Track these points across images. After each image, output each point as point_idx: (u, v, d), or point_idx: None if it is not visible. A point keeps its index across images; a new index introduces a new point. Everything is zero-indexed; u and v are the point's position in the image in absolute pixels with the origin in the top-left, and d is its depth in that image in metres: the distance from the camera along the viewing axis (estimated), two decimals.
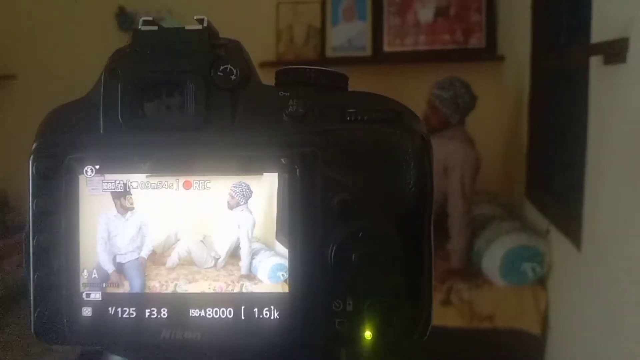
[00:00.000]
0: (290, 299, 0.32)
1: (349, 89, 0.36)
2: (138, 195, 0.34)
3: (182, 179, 0.33)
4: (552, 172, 2.48)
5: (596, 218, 1.78)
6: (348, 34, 3.48)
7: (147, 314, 0.33)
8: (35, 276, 0.35)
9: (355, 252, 0.32)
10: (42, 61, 3.77)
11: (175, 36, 0.37)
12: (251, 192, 0.33)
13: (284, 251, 0.32)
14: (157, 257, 0.34)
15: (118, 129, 0.34)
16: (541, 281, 2.33)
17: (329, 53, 3.48)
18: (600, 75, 1.70)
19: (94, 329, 0.33)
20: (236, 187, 0.33)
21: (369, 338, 0.32)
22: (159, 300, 0.33)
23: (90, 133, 0.35)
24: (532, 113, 2.65)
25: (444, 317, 2.32)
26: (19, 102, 3.83)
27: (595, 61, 1.73)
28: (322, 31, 3.49)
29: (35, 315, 0.34)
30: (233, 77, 0.34)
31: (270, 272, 0.33)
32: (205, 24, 0.37)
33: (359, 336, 0.32)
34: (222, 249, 0.34)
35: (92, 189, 0.33)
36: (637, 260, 1.47)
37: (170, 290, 0.33)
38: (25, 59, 3.78)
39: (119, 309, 0.33)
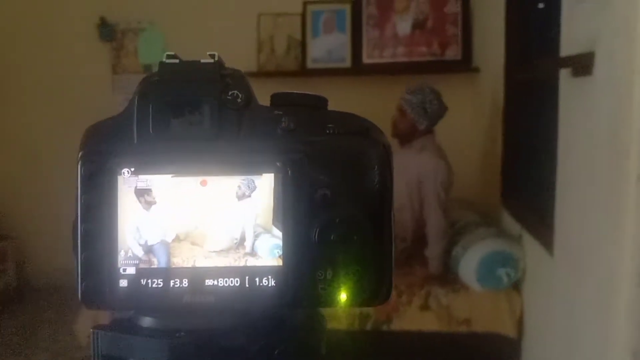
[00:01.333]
0: (284, 270, 0.41)
1: (329, 109, 0.46)
2: (162, 192, 0.42)
3: (199, 179, 0.42)
4: (525, 180, 2.57)
5: (567, 224, 1.86)
6: (328, 46, 3.55)
7: (171, 284, 0.41)
8: (82, 256, 0.42)
9: (333, 233, 0.41)
10: (23, 68, 3.77)
11: (193, 67, 0.44)
12: (255, 186, 0.41)
13: (279, 234, 0.41)
14: (180, 240, 0.42)
15: (149, 140, 0.42)
16: (516, 286, 2.41)
17: (310, 64, 3.55)
18: (569, 87, 1.78)
19: (129, 296, 0.42)
20: (244, 180, 0.41)
21: (344, 300, 0.41)
22: (181, 273, 0.42)
23: (126, 142, 0.42)
24: (506, 123, 2.74)
25: (422, 321, 2.38)
26: (2, 113, 3.82)
27: (564, 74, 1.82)
28: (303, 42, 3.55)
29: (83, 287, 0.42)
30: (239, 100, 0.43)
31: (268, 250, 0.42)
32: (216, 58, 0.46)
33: (337, 298, 0.41)
34: (232, 233, 0.42)
35: (128, 187, 0.41)
36: (605, 265, 1.55)
37: (190, 265, 0.42)
38: (5, 66, 3.77)
39: (149, 280, 0.42)
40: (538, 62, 2.25)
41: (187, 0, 3.63)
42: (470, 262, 2.37)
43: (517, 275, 2.34)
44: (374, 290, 0.42)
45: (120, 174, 0.41)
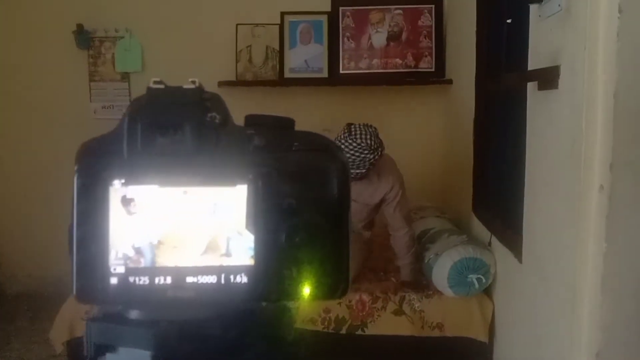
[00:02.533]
0: (255, 268, 0.47)
1: (295, 129, 0.52)
2: (148, 201, 0.47)
3: (182, 189, 0.47)
4: (495, 189, 2.65)
5: (534, 232, 1.93)
6: (305, 56, 3.60)
7: (156, 280, 0.47)
8: (77, 257, 0.47)
9: (298, 236, 0.47)
10: None
11: (176, 92, 0.49)
12: (230, 195, 0.48)
13: (251, 237, 0.47)
14: (164, 243, 0.47)
15: (138, 155, 0.48)
16: (487, 291, 2.48)
17: (287, 74, 3.59)
18: (535, 100, 1.86)
19: (119, 292, 0.47)
20: (220, 190, 0.47)
21: (307, 294, 0.47)
22: (165, 271, 0.47)
23: (116, 157, 0.48)
24: (476, 133, 2.82)
25: (396, 326, 2.43)
26: None
27: (531, 87, 1.90)
28: (281, 53, 3.60)
29: (77, 284, 0.47)
30: (216, 121, 0.48)
31: (241, 251, 0.47)
32: (197, 84, 0.49)
33: (301, 292, 0.47)
34: (209, 237, 0.47)
35: (117, 196, 0.47)
36: (569, 271, 1.62)
37: (173, 264, 0.47)
38: None
39: (137, 278, 0.47)
40: (506, 75, 2.34)
41: (165, 10, 3.65)
42: (442, 268, 2.43)
43: (488, 281, 2.41)
44: (334, 285, 0.48)
45: (112, 185, 0.47)
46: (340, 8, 3.59)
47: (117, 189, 0.46)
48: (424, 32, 3.57)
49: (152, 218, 0.47)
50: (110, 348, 0.49)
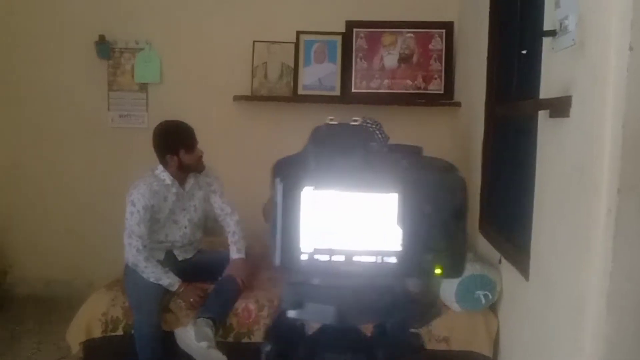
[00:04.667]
0: (402, 253, 0.68)
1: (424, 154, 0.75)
2: (329, 202, 0.67)
3: (353, 194, 0.68)
4: (502, 209, 2.75)
5: (541, 252, 2.03)
6: (319, 74, 3.73)
7: (333, 258, 0.68)
8: (282, 239, 0.68)
9: (433, 231, 0.68)
10: (18, 83, 3.85)
11: (347, 127, 0.72)
12: (387, 200, 0.69)
13: (400, 230, 0.67)
14: (339, 231, 0.68)
15: (324, 169, 0.68)
16: (492, 307, 2.57)
17: (301, 90, 3.72)
18: (546, 127, 1.97)
19: (307, 265, 0.68)
20: (380, 196, 0.68)
21: (439, 273, 0.68)
22: (340, 252, 0.68)
23: (307, 169, 0.69)
24: (485, 155, 2.93)
25: None
26: None
27: (542, 114, 2.02)
28: (295, 70, 3.72)
29: (281, 258, 0.68)
30: (376, 147, 0.70)
31: (392, 240, 0.68)
32: (359, 122, 0.72)
33: (433, 272, 0.68)
34: (372, 228, 0.68)
35: (308, 197, 0.68)
36: (575, 289, 1.71)
37: (345, 247, 0.68)
38: (5, 77, 3.84)
39: (320, 256, 0.68)
40: (518, 102, 2.45)
41: (184, 24, 3.77)
42: (449, 284, 2.52)
43: (494, 297, 2.50)
44: (455, 268, 0.69)
45: (304, 189, 0.67)
46: (355, 29, 3.72)
47: (308, 193, 0.67)
48: (434, 55, 3.70)
49: (332, 213, 0.67)
50: (299, 304, 0.70)
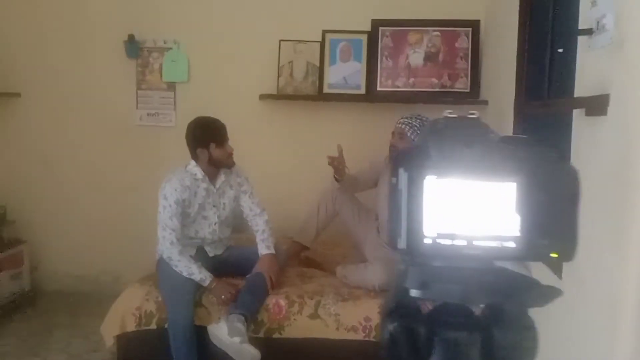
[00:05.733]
0: (520, 238, 0.74)
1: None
2: (451, 190, 0.73)
3: (476, 182, 0.73)
4: None
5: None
6: (344, 73, 3.75)
7: (455, 242, 0.73)
8: (407, 224, 0.74)
9: (551, 219, 0.74)
10: (48, 81, 3.92)
11: (465, 119, 0.76)
12: (506, 189, 0.74)
13: (518, 217, 0.73)
14: (461, 216, 0.74)
15: (445, 159, 0.73)
16: None
17: (326, 89, 3.74)
18: (581, 125, 1.98)
19: (431, 249, 0.74)
20: (499, 184, 0.75)
21: (555, 256, 0.75)
22: (461, 236, 0.75)
23: (429, 160, 0.73)
24: None
25: None
26: (21, 118, 3.95)
27: (577, 112, 2.02)
28: (321, 69, 3.75)
29: (406, 242, 0.73)
30: (495, 138, 0.75)
31: (512, 226, 0.74)
32: (476, 115, 0.75)
33: (550, 255, 0.75)
34: (492, 214, 0.74)
35: (431, 185, 0.73)
36: (612, 288, 1.72)
37: (467, 232, 0.74)
38: (31, 78, 3.92)
39: (442, 240, 0.74)
40: (550, 99, 2.45)
41: (212, 24, 3.82)
42: None
43: None
44: (569, 252, 0.74)
45: (426, 178, 0.72)
46: (380, 28, 3.74)
47: (431, 181, 0.72)
48: (461, 53, 3.70)
49: (453, 201, 0.72)
50: (424, 284, 0.75)
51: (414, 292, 0.75)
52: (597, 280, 1.84)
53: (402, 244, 0.73)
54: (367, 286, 2.71)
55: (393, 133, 2.91)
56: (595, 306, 1.85)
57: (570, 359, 2.07)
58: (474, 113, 0.76)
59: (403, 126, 2.86)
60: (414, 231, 0.72)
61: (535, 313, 2.10)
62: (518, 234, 0.72)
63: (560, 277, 2.16)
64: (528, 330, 0.82)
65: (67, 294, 3.90)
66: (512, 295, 0.77)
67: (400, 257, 0.77)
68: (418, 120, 2.83)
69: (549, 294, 0.78)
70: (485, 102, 3.58)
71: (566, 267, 2.12)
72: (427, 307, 0.82)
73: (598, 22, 1.79)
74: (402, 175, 0.72)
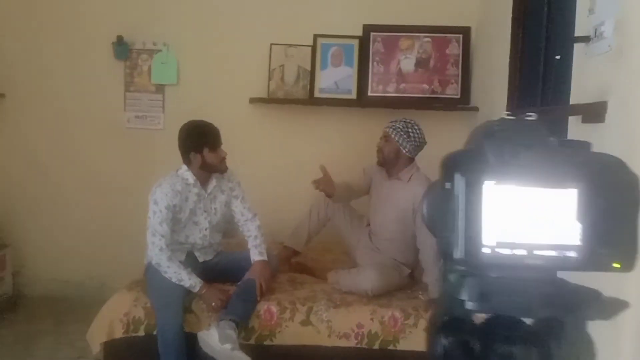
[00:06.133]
0: (582, 248, 0.71)
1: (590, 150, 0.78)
2: (509, 196, 0.70)
3: (537, 189, 0.71)
4: None
5: None
6: (335, 78, 3.74)
7: (515, 251, 0.70)
8: (464, 233, 0.71)
9: (610, 228, 0.70)
10: (33, 82, 3.84)
11: (523, 122, 0.73)
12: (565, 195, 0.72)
13: (579, 225, 0.71)
14: (521, 224, 0.70)
15: (504, 164, 0.69)
16: None
17: (317, 93, 3.72)
18: (578, 133, 1.98)
19: (489, 259, 0.71)
20: (557, 191, 0.71)
21: (618, 267, 0.71)
22: (521, 245, 0.71)
23: (486, 165, 0.70)
24: None
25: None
26: (6, 120, 3.87)
27: (573, 120, 2.03)
28: (312, 73, 3.73)
29: (464, 251, 0.70)
30: (554, 143, 0.72)
31: (572, 235, 0.71)
32: (534, 118, 0.73)
33: (613, 266, 0.71)
34: (554, 222, 0.71)
35: (489, 192, 0.69)
36: (613, 287, 1.71)
37: (527, 241, 0.71)
38: (16, 79, 3.84)
39: (501, 249, 0.70)
40: (545, 107, 2.46)
41: (202, 26, 3.78)
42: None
43: None
44: (631, 262, 0.71)
45: (485, 184, 0.69)
46: (372, 33, 3.74)
47: (489, 187, 0.68)
48: (451, 60, 3.71)
49: (512, 208, 0.68)
50: (484, 296, 0.72)
51: (470, 305, 0.71)
52: (599, 280, 1.83)
53: (458, 253, 0.69)
54: (360, 291, 2.69)
55: (381, 136, 2.93)
56: None
57: None
58: (531, 115, 0.73)
59: (388, 129, 2.88)
60: (471, 240, 0.69)
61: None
62: (579, 243, 0.69)
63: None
64: (587, 345, 0.78)
65: (52, 300, 3.81)
66: (574, 309, 0.74)
67: (449, 267, 0.74)
68: (403, 123, 2.85)
69: (613, 306, 0.75)
70: (476, 109, 3.59)
71: None
72: (477, 319, 0.79)
73: (596, 30, 1.80)
74: (459, 180, 0.69)
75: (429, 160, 3.23)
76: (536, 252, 0.69)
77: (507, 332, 0.75)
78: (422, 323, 2.54)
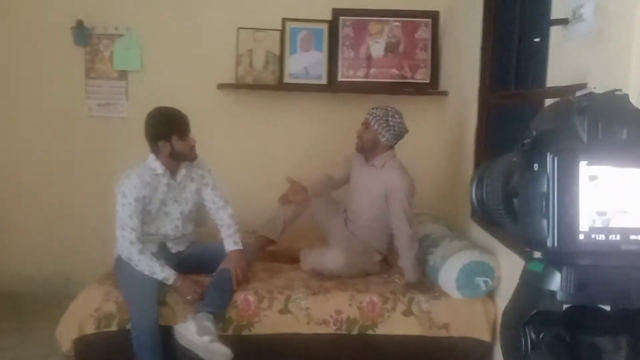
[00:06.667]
0: None
1: None
2: (605, 177, 0.66)
3: (628, 170, 0.67)
4: None
5: None
6: (305, 63, 3.67)
7: (610, 237, 0.66)
8: (558, 218, 0.67)
9: None
10: None
11: (612, 96, 0.69)
12: None
13: None
14: (615, 208, 0.68)
15: (597, 143, 0.66)
16: (489, 294, 2.60)
17: (287, 79, 3.65)
18: None
19: (584, 245, 0.67)
20: None
21: None
22: (616, 230, 0.67)
23: (577, 143, 0.66)
24: (478, 143, 2.96)
25: (406, 326, 2.53)
26: None
27: (550, 101, 2.04)
28: (281, 58, 3.66)
29: (556, 238, 0.67)
30: None
31: None
32: (622, 92, 0.68)
33: None
34: None
35: (586, 173, 0.65)
36: None
37: (621, 225, 0.68)
38: None
39: (596, 235, 0.67)
40: (521, 90, 2.48)
41: (166, 10, 3.65)
42: (450, 271, 2.54)
43: (493, 283, 2.53)
44: None
45: (579, 165, 0.65)
46: (341, 17, 3.69)
47: (583, 168, 0.64)
48: (421, 44, 3.70)
49: (608, 190, 0.64)
50: (581, 286, 0.68)
51: (562, 296, 0.67)
52: None
53: (551, 241, 0.65)
54: (322, 269, 2.69)
55: (362, 122, 2.89)
56: None
57: None
58: (620, 89, 0.68)
59: (368, 116, 2.86)
60: (565, 226, 0.64)
61: (505, 301, 2.04)
62: None
63: None
64: None
65: (15, 296, 3.65)
66: None
67: (530, 256, 0.69)
68: (383, 112, 2.83)
69: None
70: (446, 93, 3.60)
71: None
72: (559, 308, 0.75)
73: (575, 12, 1.81)
74: (551, 161, 0.64)
75: (399, 146, 3.25)
76: (632, 237, 0.65)
77: (593, 323, 0.72)
78: (400, 307, 2.54)
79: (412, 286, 2.66)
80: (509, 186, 0.76)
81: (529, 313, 0.74)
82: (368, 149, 2.87)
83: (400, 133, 2.86)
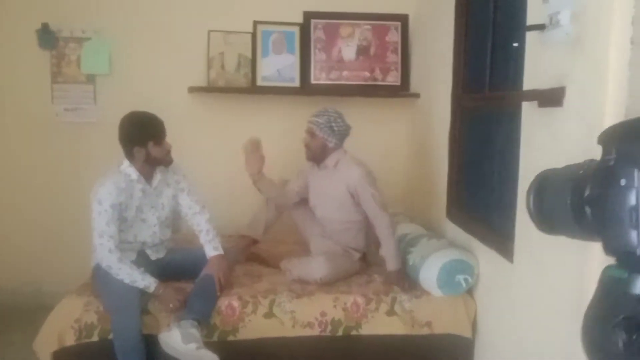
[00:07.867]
0: None
1: None
2: None
3: None
4: (473, 196, 2.86)
5: (529, 235, 2.11)
6: (278, 65, 3.68)
7: None
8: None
9: None
10: None
11: None
12: None
13: None
14: None
15: None
16: (469, 291, 2.67)
17: (260, 82, 3.65)
18: (534, 117, 2.06)
19: None
20: None
21: None
22: None
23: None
24: (452, 144, 3.02)
25: (389, 326, 2.57)
26: None
27: (527, 105, 2.11)
28: (253, 61, 3.65)
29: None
30: None
31: None
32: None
33: None
34: None
35: None
36: (573, 271, 1.80)
37: None
38: None
39: None
40: (497, 93, 2.55)
41: (135, 12, 3.59)
42: (431, 269, 2.59)
43: (473, 281, 2.60)
44: None
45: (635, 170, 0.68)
46: (312, 20, 3.71)
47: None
48: (391, 47, 3.76)
49: None
50: None
51: None
52: (557, 263, 1.90)
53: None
54: (309, 279, 2.70)
55: (306, 131, 2.89)
56: (555, 290, 1.92)
57: (518, 337, 2.17)
58: None
59: (312, 125, 2.85)
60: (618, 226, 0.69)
61: (484, 298, 2.02)
62: None
63: (511, 261, 2.26)
64: None
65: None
66: None
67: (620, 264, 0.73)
68: (325, 118, 2.83)
69: None
70: (417, 95, 3.67)
71: (518, 251, 2.21)
72: None
73: (552, 18, 1.88)
74: (638, 177, 0.68)
75: (372, 148, 3.30)
76: None
77: None
78: (384, 307, 2.58)
79: (394, 276, 2.69)
80: (581, 197, 0.80)
81: (616, 317, 0.77)
82: (318, 156, 2.89)
83: (345, 133, 2.89)
